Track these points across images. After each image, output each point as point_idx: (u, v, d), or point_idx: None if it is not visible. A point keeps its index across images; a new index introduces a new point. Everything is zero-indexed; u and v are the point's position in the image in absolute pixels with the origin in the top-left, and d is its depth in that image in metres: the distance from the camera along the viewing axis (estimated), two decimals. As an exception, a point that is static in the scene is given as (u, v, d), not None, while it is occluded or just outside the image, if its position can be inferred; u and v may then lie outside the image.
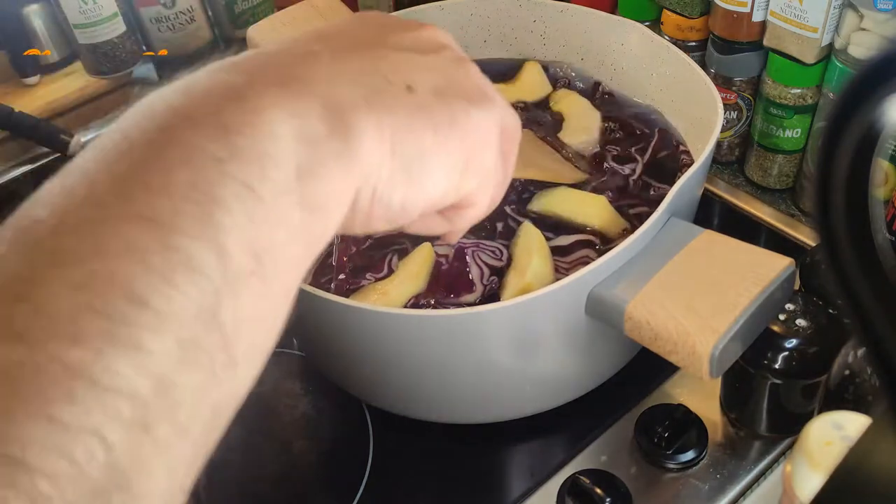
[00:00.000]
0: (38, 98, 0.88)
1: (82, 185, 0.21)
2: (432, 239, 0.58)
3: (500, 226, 0.59)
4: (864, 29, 0.63)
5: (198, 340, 0.20)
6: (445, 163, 0.28)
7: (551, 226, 0.59)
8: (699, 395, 0.60)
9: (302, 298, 0.49)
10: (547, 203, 0.60)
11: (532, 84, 0.72)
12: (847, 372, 0.46)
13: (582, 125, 0.68)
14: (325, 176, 0.24)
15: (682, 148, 0.65)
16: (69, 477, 0.17)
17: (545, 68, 0.73)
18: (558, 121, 0.69)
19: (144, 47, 0.92)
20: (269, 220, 0.22)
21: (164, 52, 0.92)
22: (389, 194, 0.26)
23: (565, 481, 0.54)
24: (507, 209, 0.60)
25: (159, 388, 0.19)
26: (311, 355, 0.66)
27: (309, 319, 0.54)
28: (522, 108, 0.70)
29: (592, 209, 0.59)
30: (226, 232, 0.21)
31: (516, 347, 0.50)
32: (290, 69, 0.25)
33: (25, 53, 0.89)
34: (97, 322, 0.19)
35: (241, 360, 0.21)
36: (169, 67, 0.93)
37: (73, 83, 0.90)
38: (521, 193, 0.61)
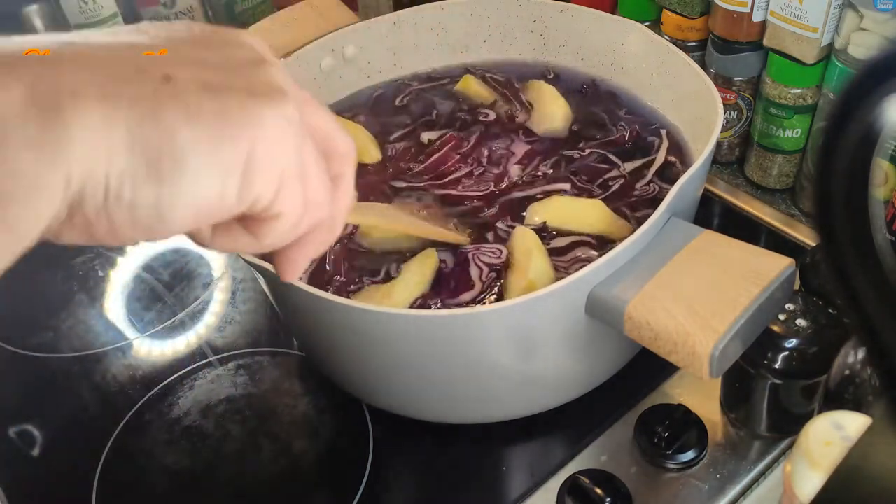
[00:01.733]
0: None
1: None
2: (436, 246, 0.58)
3: (490, 236, 0.59)
4: (864, 29, 0.63)
5: None
6: (212, 160, 0.25)
7: (551, 237, 0.58)
8: (699, 395, 0.60)
9: (302, 298, 0.49)
10: (543, 216, 0.59)
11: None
12: (847, 372, 0.46)
13: (546, 113, 0.69)
14: (6, 158, 0.21)
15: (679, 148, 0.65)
16: None
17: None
18: (530, 111, 0.71)
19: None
20: None
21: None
22: (132, 193, 0.24)
23: (565, 481, 0.54)
24: (500, 224, 0.60)
25: None
26: (311, 355, 0.66)
27: (309, 319, 0.54)
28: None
29: (591, 216, 0.58)
30: None
31: (516, 347, 0.50)
32: (35, 54, 0.24)
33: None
34: None
35: None
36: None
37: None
38: (516, 209, 0.61)
